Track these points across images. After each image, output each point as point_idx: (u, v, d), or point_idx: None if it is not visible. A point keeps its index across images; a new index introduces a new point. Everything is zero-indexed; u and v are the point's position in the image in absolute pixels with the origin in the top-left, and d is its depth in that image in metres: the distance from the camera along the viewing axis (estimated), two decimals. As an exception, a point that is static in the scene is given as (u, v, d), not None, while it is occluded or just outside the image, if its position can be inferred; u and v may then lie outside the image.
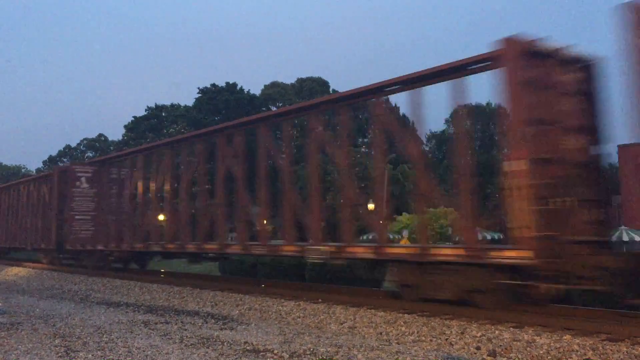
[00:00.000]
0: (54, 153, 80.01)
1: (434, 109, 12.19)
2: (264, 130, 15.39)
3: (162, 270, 23.14)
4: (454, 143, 11.12)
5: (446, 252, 10.80)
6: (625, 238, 25.87)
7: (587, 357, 7.52)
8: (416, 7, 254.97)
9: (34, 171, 79.45)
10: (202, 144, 17.91)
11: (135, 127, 61.79)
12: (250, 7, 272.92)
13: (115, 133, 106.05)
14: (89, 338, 9.16)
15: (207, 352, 7.95)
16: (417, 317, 10.30)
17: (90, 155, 73.86)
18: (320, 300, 12.81)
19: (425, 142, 66.09)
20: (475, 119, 56.25)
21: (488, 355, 7.96)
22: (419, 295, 11.23)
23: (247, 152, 16.09)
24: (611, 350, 7.65)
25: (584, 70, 10.45)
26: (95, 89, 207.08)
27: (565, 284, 9.38)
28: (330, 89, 64.12)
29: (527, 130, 9.52)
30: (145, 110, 63.42)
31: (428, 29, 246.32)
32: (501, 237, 29.27)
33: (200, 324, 10.69)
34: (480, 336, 8.80)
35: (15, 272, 25.47)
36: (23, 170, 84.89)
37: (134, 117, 63.21)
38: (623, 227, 26.61)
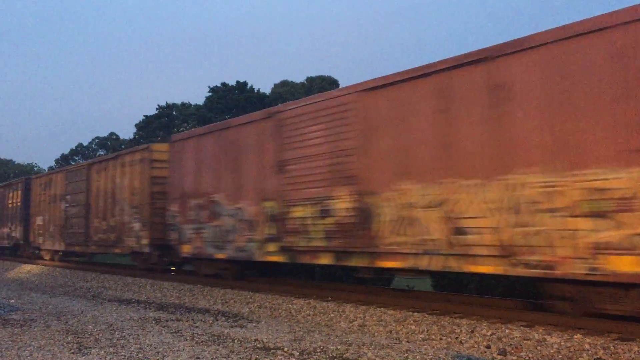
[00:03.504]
0: (67, 151, 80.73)
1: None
2: None
3: (172, 268, 23.27)
4: None
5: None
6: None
7: (598, 356, 7.48)
8: (427, 4, 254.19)
9: (47, 170, 80.00)
10: None
11: (147, 125, 62.11)
12: (260, 6, 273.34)
13: (127, 132, 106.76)
14: (101, 335, 9.26)
15: (217, 349, 8.01)
16: (427, 316, 10.31)
17: (102, 153, 74.30)
18: (330, 298, 12.84)
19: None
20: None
21: (498, 354, 7.95)
22: None
23: None
24: (622, 349, 7.61)
25: None
26: (106, 88, 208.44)
27: None
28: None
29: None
30: (156, 108, 63.62)
31: (437, 26, 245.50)
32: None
33: (210, 322, 10.75)
34: (490, 335, 8.80)
35: (28, 270, 25.72)
36: (35, 168, 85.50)
37: (145, 115, 63.47)
38: None
